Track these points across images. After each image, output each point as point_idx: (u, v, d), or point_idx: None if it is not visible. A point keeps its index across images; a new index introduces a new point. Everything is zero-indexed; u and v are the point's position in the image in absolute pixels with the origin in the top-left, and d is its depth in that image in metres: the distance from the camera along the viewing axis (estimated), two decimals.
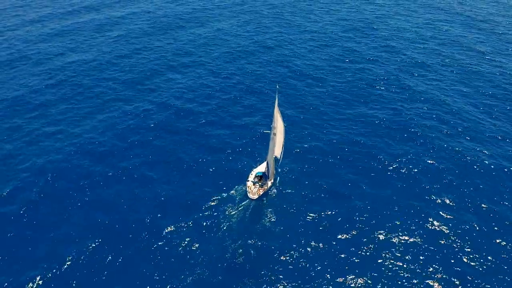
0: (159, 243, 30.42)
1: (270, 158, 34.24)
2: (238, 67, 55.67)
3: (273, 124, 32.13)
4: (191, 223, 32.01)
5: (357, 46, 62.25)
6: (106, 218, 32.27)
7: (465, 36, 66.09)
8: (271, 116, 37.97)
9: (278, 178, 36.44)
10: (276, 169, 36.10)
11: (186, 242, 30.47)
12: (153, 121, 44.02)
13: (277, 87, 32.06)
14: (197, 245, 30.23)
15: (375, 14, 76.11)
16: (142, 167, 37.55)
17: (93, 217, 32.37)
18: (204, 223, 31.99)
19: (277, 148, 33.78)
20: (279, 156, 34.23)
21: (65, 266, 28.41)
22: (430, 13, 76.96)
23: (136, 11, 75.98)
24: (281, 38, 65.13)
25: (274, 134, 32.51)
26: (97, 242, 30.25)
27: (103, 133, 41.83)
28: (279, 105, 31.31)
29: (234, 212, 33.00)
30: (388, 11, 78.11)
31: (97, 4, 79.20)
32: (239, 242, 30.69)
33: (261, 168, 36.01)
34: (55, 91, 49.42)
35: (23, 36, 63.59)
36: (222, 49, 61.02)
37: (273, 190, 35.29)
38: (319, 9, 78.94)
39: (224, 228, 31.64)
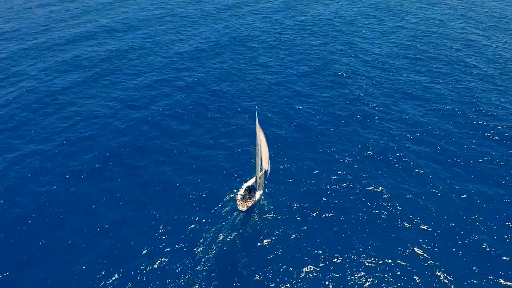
0: (150, 250, 32.81)
1: (257, 172, 36.07)
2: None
3: (257, 141, 33.93)
4: (182, 232, 34.25)
5: None
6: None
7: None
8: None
9: (267, 190, 38.08)
10: (265, 182, 37.88)
11: (176, 250, 32.68)
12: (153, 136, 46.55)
13: (256, 108, 34.14)
14: (187, 253, 32.37)
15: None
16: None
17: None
18: (194, 234, 34.11)
19: (264, 162, 35.75)
20: (267, 169, 36.18)
21: None
22: None
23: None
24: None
25: (259, 150, 34.37)
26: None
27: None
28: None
29: (224, 223, 34.98)
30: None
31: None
32: (228, 251, 32.75)
33: (251, 182, 37.86)
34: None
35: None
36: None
37: (262, 202, 37.03)
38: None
39: (214, 238, 33.67)
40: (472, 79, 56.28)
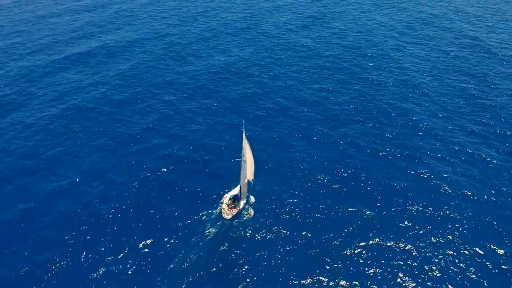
0: (134, 257, 34.23)
1: (242, 181, 38.16)
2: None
3: (243, 152, 36.11)
4: (169, 240, 35.78)
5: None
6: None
7: None
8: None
9: (250, 200, 40.15)
10: (248, 191, 39.98)
11: (163, 258, 34.15)
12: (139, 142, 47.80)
13: (243, 122, 36.72)
14: (174, 260, 33.94)
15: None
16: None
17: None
18: (180, 241, 35.79)
19: (248, 172, 37.86)
20: (251, 179, 38.34)
21: None
22: None
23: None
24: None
25: (244, 161, 36.54)
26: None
27: None
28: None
29: (209, 231, 36.81)
30: None
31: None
32: (213, 257, 34.53)
33: (235, 191, 39.93)
34: None
35: None
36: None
37: (246, 210, 39.08)
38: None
39: (199, 245, 35.36)
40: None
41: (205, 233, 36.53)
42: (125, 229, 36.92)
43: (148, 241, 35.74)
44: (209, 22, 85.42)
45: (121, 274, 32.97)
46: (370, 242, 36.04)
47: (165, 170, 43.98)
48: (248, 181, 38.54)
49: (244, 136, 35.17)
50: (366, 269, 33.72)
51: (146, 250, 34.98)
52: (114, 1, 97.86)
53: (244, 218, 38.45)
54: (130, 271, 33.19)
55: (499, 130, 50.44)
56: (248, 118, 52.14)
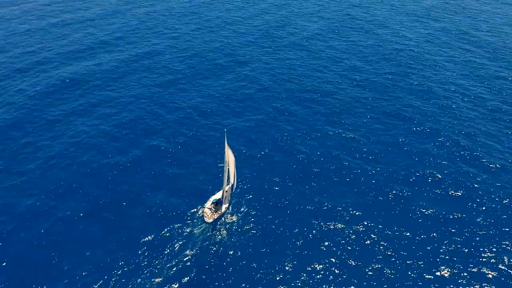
0: (120, 259, 35.13)
1: (224, 186, 39.15)
2: None
3: (225, 158, 37.14)
4: (153, 242, 36.80)
5: None
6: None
7: None
8: None
9: (231, 205, 41.05)
10: (231, 195, 40.93)
11: (147, 261, 35.11)
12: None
13: (225, 130, 37.92)
14: (156, 262, 34.89)
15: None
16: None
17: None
18: (163, 244, 36.72)
19: (231, 177, 38.85)
20: (233, 184, 39.31)
21: None
22: None
23: None
24: None
25: (227, 167, 37.62)
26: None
27: None
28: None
29: (191, 235, 37.69)
30: None
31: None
32: (196, 260, 35.43)
33: (218, 195, 40.85)
34: None
35: None
36: None
37: (228, 214, 40.05)
38: None
39: (181, 248, 36.28)
40: None
41: (187, 237, 37.34)
42: (111, 227, 38.12)
43: (132, 250, 36.75)
44: (222, 32, 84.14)
45: (106, 273, 34.06)
46: (368, 244, 36.96)
47: (161, 171, 45.23)
48: (232, 185, 39.56)
49: (226, 143, 36.24)
50: (360, 273, 34.49)
51: (130, 260, 36.00)
52: (122, 13, 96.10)
53: (226, 223, 39.37)
54: (116, 267, 34.33)
55: None
56: (247, 123, 53.56)
